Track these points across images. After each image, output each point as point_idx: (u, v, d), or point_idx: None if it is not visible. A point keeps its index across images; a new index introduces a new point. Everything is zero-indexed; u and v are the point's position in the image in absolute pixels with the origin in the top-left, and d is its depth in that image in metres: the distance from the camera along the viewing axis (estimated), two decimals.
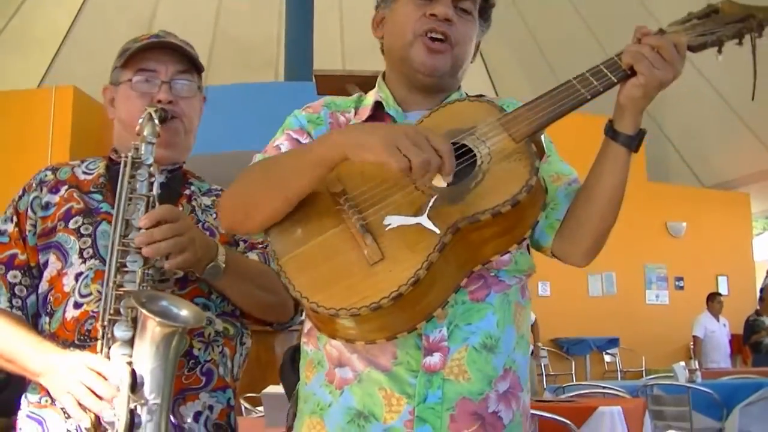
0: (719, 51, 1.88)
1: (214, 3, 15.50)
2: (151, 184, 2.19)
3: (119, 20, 14.05)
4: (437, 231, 1.74)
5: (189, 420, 2.20)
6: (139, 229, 2.10)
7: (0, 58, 14.27)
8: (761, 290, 13.58)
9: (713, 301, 13.72)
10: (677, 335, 14.70)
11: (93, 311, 2.16)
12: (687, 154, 16.15)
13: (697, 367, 8.45)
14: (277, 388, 4.90)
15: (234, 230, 2.08)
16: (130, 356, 1.99)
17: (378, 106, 2.14)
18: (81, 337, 2.15)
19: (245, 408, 6.70)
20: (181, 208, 2.36)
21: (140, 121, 2.23)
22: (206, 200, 2.47)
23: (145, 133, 2.22)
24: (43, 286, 2.26)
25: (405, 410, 1.89)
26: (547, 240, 2.06)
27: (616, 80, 1.85)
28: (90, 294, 2.19)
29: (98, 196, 2.34)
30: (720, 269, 16.06)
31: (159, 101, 2.33)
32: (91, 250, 2.24)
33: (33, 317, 2.28)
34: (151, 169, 2.20)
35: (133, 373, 1.92)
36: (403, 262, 1.72)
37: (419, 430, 1.89)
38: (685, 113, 14.51)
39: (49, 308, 2.23)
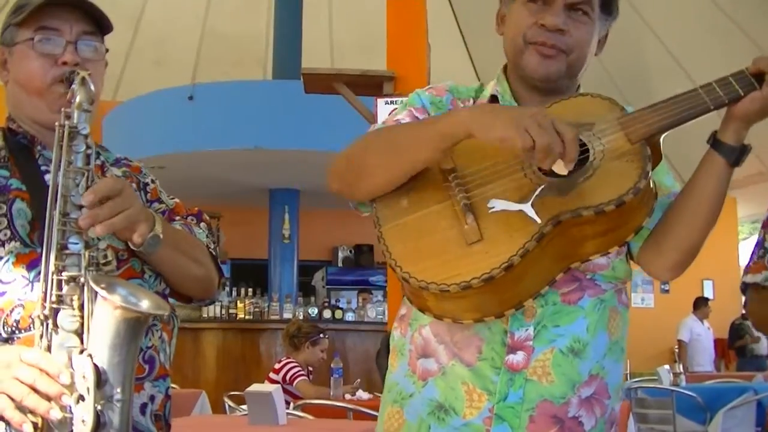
0: None
1: (203, 0, 15.46)
2: (88, 156, 1.96)
3: (108, 16, 14.00)
4: (538, 220, 1.74)
5: (137, 413, 2.03)
6: (80, 207, 1.88)
7: None
8: (742, 290, 13.57)
9: (702, 305, 13.76)
10: (662, 339, 14.72)
11: (19, 299, 1.95)
12: (673, 157, 15.99)
13: (682, 370, 8.47)
14: (261, 387, 4.88)
15: (341, 193, 2.03)
16: (83, 348, 1.77)
17: (494, 99, 2.13)
18: (8, 329, 1.93)
19: (229, 406, 6.69)
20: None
21: (72, 86, 1.99)
22: (117, 171, 2.28)
23: (78, 99, 1.98)
24: None
25: (485, 407, 1.90)
26: (633, 247, 2.04)
27: (742, 93, 1.83)
28: (14, 280, 1.96)
29: (4, 172, 2.10)
30: (706, 273, 16.08)
31: (64, 63, 2.10)
32: (8, 232, 2.01)
33: None
34: (88, 140, 1.97)
35: (96, 367, 1.71)
36: (499, 246, 1.73)
37: (497, 429, 1.89)
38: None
39: None
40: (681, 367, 8.74)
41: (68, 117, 1.98)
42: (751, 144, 1.90)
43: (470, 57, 15.80)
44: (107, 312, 1.76)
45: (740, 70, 1.85)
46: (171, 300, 2.29)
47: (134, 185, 2.26)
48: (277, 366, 7.49)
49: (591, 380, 1.94)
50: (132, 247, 2.04)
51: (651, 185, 1.84)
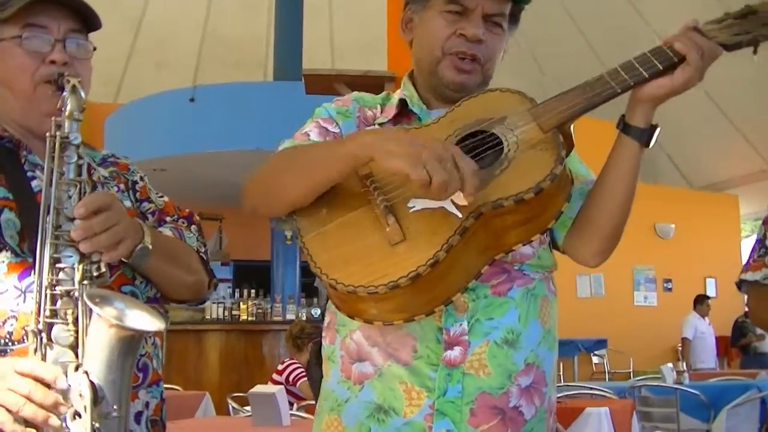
0: (755, 51, 1.87)
1: (204, 2, 15.47)
2: (80, 167, 1.91)
3: (109, 19, 13.96)
4: (459, 214, 1.75)
5: (132, 423, 2.00)
6: (72, 219, 1.84)
7: None
8: (738, 286, 13.56)
9: (702, 303, 13.74)
10: (665, 337, 14.72)
11: (12, 310, 1.90)
12: (676, 155, 16.17)
13: (685, 368, 8.46)
14: (265, 388, 4.89)
15: (257, 211, 2.05)
16: (78, 363, 1.73)
17: (403, 104, 2.14)
18: (1, 341, 1.88)
19: (232, 408, 6.70)
20: None
21: (63, 94, 1.92)
22: (103, 171, 2.22)
23: (69, 108, 1.92)
24: None
25: (425, 404, 1.90)
26: (558, 237, 2.08)
27: (647, 75, 1.85)
28: (6, 291, 1.91)
29: None
30: (708, 271, 16.09)
31: (52, 62, 2.02)
32: (15, 243, 1.95)
33: None
34: (80, 150, 1.92)
35: (93, 385, 1.67)
36: (423, 244, 1.74)
37: (439, 424, 1.89)
38: (674, 114, 14.52)
39: None
40: (684, 365, 8.75)
41: (59, 126, 1.92)
42: (658, 123, 1.92)
43: None
44: (102, 329, 1.71)
45: (643, 53, 1.87)
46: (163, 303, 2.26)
47: (122, 185, 2.23)
48: (280, 367, 7.50)
49: (528, 369, 1.96)
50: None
51: (567, 171, 1.87)
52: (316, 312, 11.67)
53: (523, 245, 1.87)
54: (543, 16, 13.75)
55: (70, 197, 1.89)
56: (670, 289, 15.90)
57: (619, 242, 2.02)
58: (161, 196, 2.35)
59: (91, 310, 1.72)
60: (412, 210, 1.80)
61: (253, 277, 13.71)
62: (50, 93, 1.99)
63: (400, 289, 1.71)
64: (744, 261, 3.07)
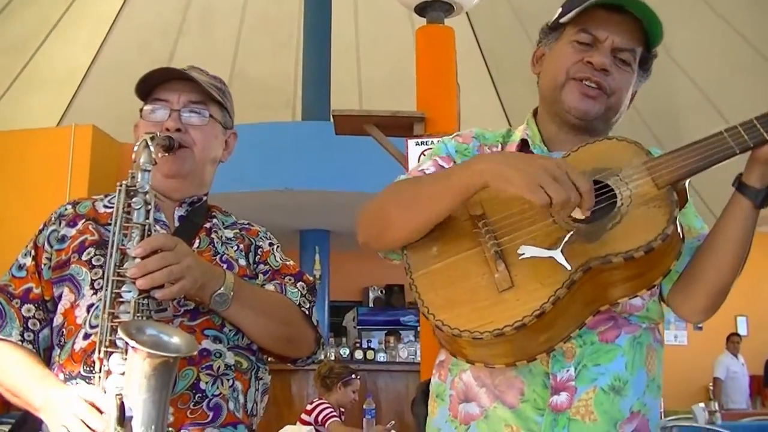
0: None
1: (233, 42, 15.58)
2: (148, 212, 2.13)
3: (139, 59, 14.09)
4: (569, 267, 1.77)
5: None
6: (135, 258, 2.05)
7: (21, 98, 14.36)
8: None
9: (730, 340, 13.64)
10: (696, 376, 14.56)
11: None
12: (705, 192, 16.06)
13: (717, 408, 8.38)
14: (294, 428, 4.88)
15: (369, 245, 2.06)
16: (122, 388, 1.92)
17: (524, 143, 2.15)
18: (87, 369, 2.11)
19: None
20: (197, 241, 2.34)
21: (135, 148, 2.18)
22: (228, 233, 2.44)
23: (141, 161, 2.16)
24: (58, 319, 2.24)
25: None
26: (663, 290, 2.07)
27: None
28: (98, 325, 2.10)
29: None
30: (739, 309, 15.92)
31: (167, 129, 2.31)
32: (102, 281, 2.18)
33: (47, 350, 2.26)
34: (147, 197, 2.13)
35: (122, 406, 1.85)
36: (531, 293, 1.76)
37: None
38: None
39: (62, 340, 2.21)
40: (716, 405, 8.66)
41: (133, 177, 2.16)
42: None
43: (499, 98, 15.80)
44: (136, 354, 1.87)
45: (766, 113, 1.86)
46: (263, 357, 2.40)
47: (242, 245, 2.43)
48: (309, 407, 7.47)
49: (632, 417, 1.95)
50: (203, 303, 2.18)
51: (678, 230, 1.86)
52: (344, 351, 11.64)
53: (629, 299, 1.88)
54: None
55: (133, 238, 2.09)
56: (700, 328, 15.73)
57: (723, 302, 2.01)
58: (287, 261, 2.51)
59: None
60: (521, 257, 1.82)
61: None
62: (161, 156, 2.22)
63: (505, 337, 1.73)
64: None
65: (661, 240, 1.75)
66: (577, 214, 1.77)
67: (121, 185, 2.16)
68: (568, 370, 1.92)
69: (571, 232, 1.82)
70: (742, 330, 15.49)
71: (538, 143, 2.15)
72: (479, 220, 1.89)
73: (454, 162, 2.14)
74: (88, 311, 2.18)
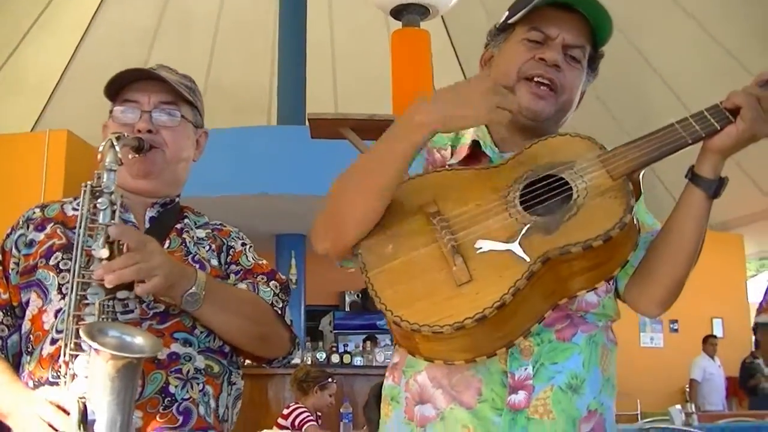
0: None
1: (208, 46, 15.54)
2: (113, 212, 2.10)
3: (113, 64, 14.04)
4: (527, 259, 1.77)
5: None
6: (101, 260, 2.03)
7: None
8: (753, 330, 13.55)
9: (707, 343, 13.69)
10: (672, 378, 14.59)
11: None
12: (679, 194, 16.15)
13: (694, 410, 8.41)
14: None
15: (328, 251, 2.04)
16: (85, 392, 1.90)
17: (475, 144, 2.14)
18: (54, 374, 2.08)
19: None
20: (168, 242, 2.32)
21: (100, 148, 2.15)
22: (200, 232, 2.43)
23: (106, 161, 2.13)
24: (26, 325, 2.22)
25: None
26: (620, 285, 2.08)
27: (719, 127, 1.86)
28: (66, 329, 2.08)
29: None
30: (715, 311, 15.96)
31: (138, 130, 2.29)
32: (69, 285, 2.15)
33: (15, 356, 2.24)
34: (113, 197, 2.11)
35: (84, 409, 1.84)
36: (490, 286, 1.75)
37: None
38: (680, 154, 14.52)
39: (30, 347, 2.18)
40: (693, 406, 8.69)
41: (99, 177, 2.14)
42: (728, 176, 1.93)
43: None
44: (99, 356, 1.85)
45: (715, 105, 1.89)
46: (234, 358, 2.36)
47: (214, 245, 2.41)
48: (285, 411, 7.46)
49: (590, 416, 1.96)
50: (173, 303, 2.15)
51: (635, 221, 1.87)
52: (321, 356, 11.60)
53: (587, 292, 1.88)
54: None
55: (98, 240, 2.06)
56: (676, 330, 15.80)
57: (680, 294, 2.02)
58: (260, 260, 2.48)
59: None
60: (479, 251, 1.82)
61: None
62: (130, 157, 2.24)
63: (465, 330, 1.72)
64: (751, 300, 3.08)
65: (619, 228, 1.77)
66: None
67: (86, 186, 2.14)
68: (525, 369, 1.92)
69: (528, 225, 1.83)
70: (718, 332, 15.52)
71: (489, 144, 2.15)
72: (434, 216, 1.89)
73: None
74: (55, 316, 2.16)
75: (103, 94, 2.40)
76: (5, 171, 11.23)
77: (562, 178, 1.90)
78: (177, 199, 2.47)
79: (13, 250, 2.30)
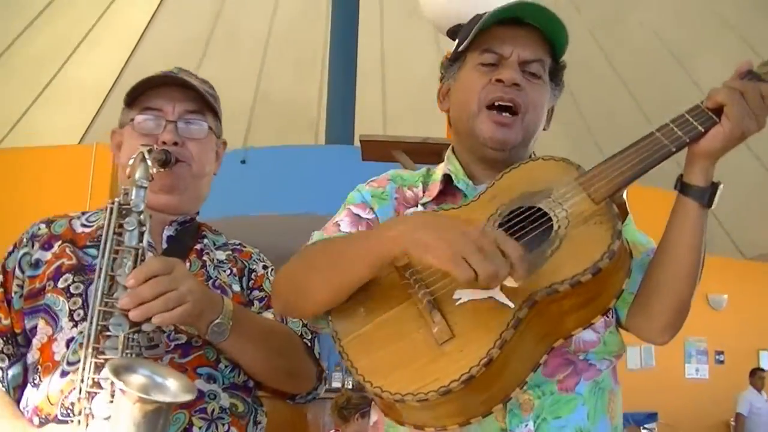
0: None
1: (257, 64, 15.56)
2: (141, 234, 1.93)
3: None
4: (511, 305, 1.61)
5: None
6: (126, 288, 1.83)
7: (43, 113, 14.35)
8: None
9: (755, 376, 13.49)
10: (717, 411, 14.45)
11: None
12: (728, 225, 15.95)
13: None
14: None
15: (287, 314, 1.94)
16: None
17: (447, 179, 2.02)
18: (64, 412, 1.90)
19: None
20: (189, 264, 2.14)
21: (130, 161, 1.98)
22: (220, 255, 2.26)
23: (136, 176, 1.97)
24: (33, 355, 2.03)
25: None
26: (620, 315, 1.93)
27: (703, 129, 1.72)
28: (78, 361, 1.89)
29: (93, 251, 2.09)
30: (762, 344, 15.79)
31: (164, 142, 2.12)
32: (82, 312, 1.99)
33: (17, 389, 2.05)
34: (141, 217, 1.94)
35: None
36: (474, 341, 1.59)
37: None
38: (727, 184, 14.37)
39: (37, 379, 1.99)
40: None
41: (126, 193, 1.96)
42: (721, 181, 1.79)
43: None
44: (123, 399, 1.67)
45: (695, 106, 1.74)
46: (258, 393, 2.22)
47: (236, 269, 2.23)
48: None
49: None
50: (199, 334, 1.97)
51: (625, 245, 1.72)
52: None
53: (584, 329, 1.71)
54: (592, 78, 13.74)
55: (125, 264, 1.87)
56: (722, 362, 15.60)
57: (687, 316, 1.87)
58: None
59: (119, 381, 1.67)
60: (458, 303, 1.66)
61: None
62: (155, 171, 2.02)
63: (453, 394, 1.56)
64: None
65: (608, 258, 1.61)
66: (510, 283, 1.59)
67: (112, 203, 1.97)
68: (526, 425, 1.77)
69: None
70: (765, 364, 15.34)
71: (462, 177, 2.03)
72: (406, 270, 1.73)
73: (371, 209, 2.02)
74: (67, 346, 1.98)
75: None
76: (51, 183, 11.30)
77: (540, 209, 1.75)
78: (196, 217, 2.33)
79: (17, 270, 2.11)
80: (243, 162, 10.65)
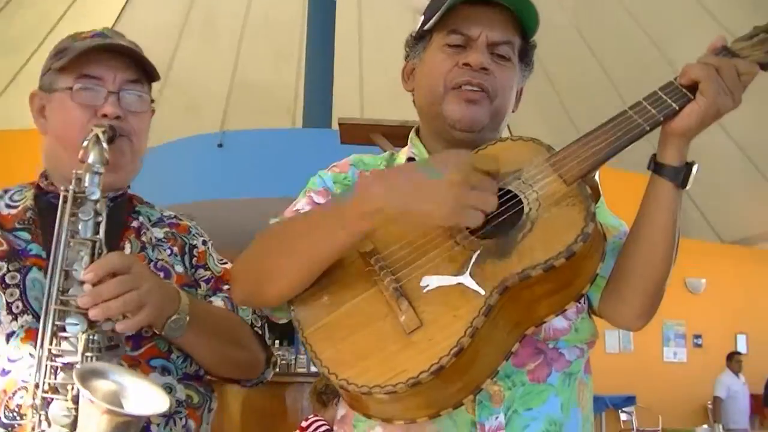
0: None
1: (234, 48, 15.48)
2: (97, 224, 1.77)
3: None
4: (482, 292, 1.53)
5: None
6: (82, 283, 1.69)
7: (17, 98, 14.23)
8: None
9: (732, 359, 13.55)
10: (695, 394, 14.55)
11: (23, 381, 1.75)
12: (706, 209, 16.00)
13: (720, 430, 8.30)
14: None
15: (248, 304, 1.83)
16: None
17: (411, 161, 1.93)
18: (9, 414, 1.73)
19: None
20: (128, 245, 1.98)
21: (84, 144, 1.81)
22: (158, 232, 2.08)
23: (90, 161, 1.80)
24: None
25: None
26: (593, 300, 1.84)
27: (677, 107, 1.64)
28: (21, 358, 1.76)
29: (25, 235, 1.91)
30: (739, 327, 15.90)
31: (105, 115, 1.92)
32: (20, 304, 1.81)
33: None
34: (98, 206, 1.78)
35: None
36: (443, 329, 1.50)
37: None
38: (704, 167, 14.36)
39: None
40: (720, 428, 8.59)
41: (80, 180, 1.80)
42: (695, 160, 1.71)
43: None
44: (91, 409, 1.54)
45: (669, 82, 1.67)
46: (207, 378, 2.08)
47: (176, 248, 2.08)
48: (304, 424, 7.30)
49: None
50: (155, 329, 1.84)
51: (598, 227, 1.64)
52: None
53: (556, 316, 1.63)
54: (567, 56, 13.72)
55: (81, 257, 1.73)
56: (700, 345, 15.71)
57: (662, 300, 1.79)
58: (224, 263, 2.15)
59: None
60: (426, 290, 1.57)
61: (277, 327, 13.55)
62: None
63: (423, 385, 1.47)
64: None
65: (581, 241, 1.53)
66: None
67: (66, 191, 1.80)
68: (497, 417, 1.69)
69: (478, 251, 1.58)
70: (742, 348, 15.44)
71: None
72: (370, 256, 1.64)
73: (333, 195, 1.92)
74: (7, 341, 1.80)
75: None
76: (22, 165, 11.14)
77: (509, 191, 1.66)
78: (128, 190, 2.14)
79: None
80: (220, 145, 10.57)
